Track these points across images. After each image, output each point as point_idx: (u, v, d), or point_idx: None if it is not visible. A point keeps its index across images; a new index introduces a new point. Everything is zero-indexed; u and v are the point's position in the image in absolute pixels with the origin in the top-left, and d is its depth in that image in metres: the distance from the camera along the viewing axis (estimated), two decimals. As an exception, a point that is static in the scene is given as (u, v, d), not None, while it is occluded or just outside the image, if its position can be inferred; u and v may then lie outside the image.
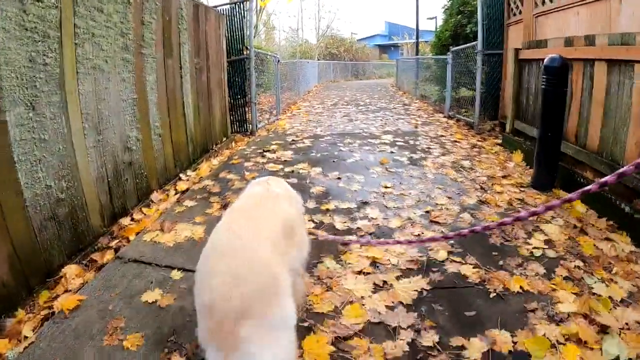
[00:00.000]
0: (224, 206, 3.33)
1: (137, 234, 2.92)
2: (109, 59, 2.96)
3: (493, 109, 6.77)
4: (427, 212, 3.13)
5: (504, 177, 4.00)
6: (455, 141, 5.75)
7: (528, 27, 5.54)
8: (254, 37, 16.46)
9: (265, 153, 5.17)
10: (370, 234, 2.79)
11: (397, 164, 4.52)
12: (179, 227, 2.98)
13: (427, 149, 5.23)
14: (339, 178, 3.81)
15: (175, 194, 3.79)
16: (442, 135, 6.16)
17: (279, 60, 8.06)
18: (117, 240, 2.82)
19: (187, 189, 3.90)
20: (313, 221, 3.00)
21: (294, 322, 1.24)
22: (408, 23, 55.42)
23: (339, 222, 2.96)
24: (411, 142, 5.72)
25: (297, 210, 1.77)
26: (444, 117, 8.10)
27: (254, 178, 2.70)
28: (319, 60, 26.46)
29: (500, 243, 2.62)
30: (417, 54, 15.70)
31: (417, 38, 16.14)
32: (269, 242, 1.34)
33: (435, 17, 31.59)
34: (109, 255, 2.62)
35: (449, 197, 3.44)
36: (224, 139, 5.84)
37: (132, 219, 3.14)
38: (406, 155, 4.94)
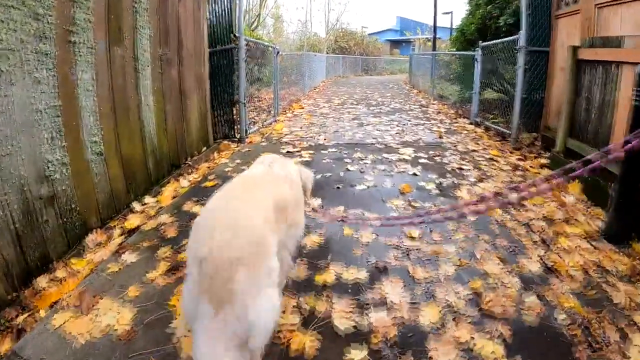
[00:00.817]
0: (174, 269, 2.28)
1: (53, 305, 2.00)
2: (10, 54, 1.95)
3: (533, 118, 5.65)
4: (474, 292, 2.05)
5: (565, 220, 2.92)
6: (492, 159, 4.65)
7: (588, 20, 4.40)
8: (257, 26, 15.35)
9: (250, 171, 4.10)
10: (391, 345, 1.71)
11: (423, 195, 3.44)
12: (103, 306, 1.99)
13: (458, 171, 4.14)
14: (342, 220, 2.72)
15: (121, 234, 2.78)
16: (474, 150, 5.06)
17: (278, 52, 6.97)
18: (28, 314, 1.93)
19: (138, 227, 2.86)
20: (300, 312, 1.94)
21: (277, 279, 1.34)
22: (420, 18, 53.97)
23: (341, 315, 1.88)
24: (437, 158, 4.63)
25: (295, 194, 1.86)
26: (470, 123, 6.99)
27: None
28: (327, 54, 25.27)
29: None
30: (434, 50, 14.51)
31: (435, 32, 14.93)
32: (261, 210, 1.45)
33: (451, 12, 30.17)
34: (6, 344, 1.74)
35: (501, 260, 2.37)
36: (204, 148, 4.78)
37: (53, 278, 2.20)
38: (433, 179, 3.85)
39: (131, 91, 3.22)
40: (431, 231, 2.76)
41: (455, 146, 5.26)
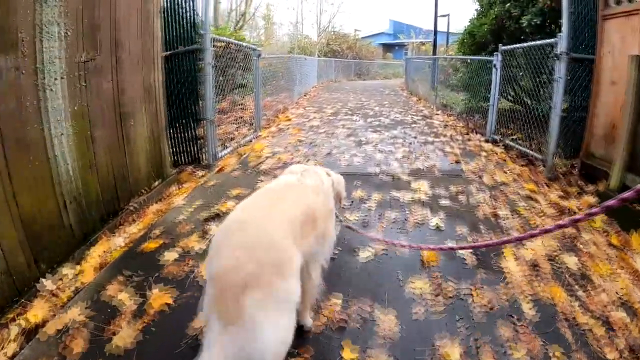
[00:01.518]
0: None
1: None
2: None
3: (569, 141, 4.68)
4: None
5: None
6: (529, 197, 3.64)
7: (655, 22, 3.44)
8: (242, 26, 14.28)
9: (208, 223, 3.03)
10: None
11: (456, 267, 2.42)
12: None
13: (494, 219, 3.15)
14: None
15: (22, 333, 1.78)
16: (504, 183, 4.06)
17: (259, 55, 5.90)
18: None
19: (45, 324, 1.80)
20: None
21: (296, 301, 1.27)
22: (414, 22, 53.42)
23: None
24: (461, 197, 3.63)
25: (326, 205, 1.78)
26: (486, 140, 6.01)
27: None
28: (319, 57, 24.27)
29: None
30: (434, 53, 13.58)
31: (435, 35, 13.98)
32: (283, 223, 1.38)
33: (448, 15, 29.57)
34: None
35: None
36: (157, 182, 3.69)
37: None
38: (465, 236, 2.82)
39: (32, 118, 2.14)
40: (478, 349, 1.70)
41: (479, 176, 4.24)
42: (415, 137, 6.23)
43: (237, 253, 1.21)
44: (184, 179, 4.13)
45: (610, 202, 1.26)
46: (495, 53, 6.06)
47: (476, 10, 8.82)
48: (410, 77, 17.39)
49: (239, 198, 3.56)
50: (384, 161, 4.78)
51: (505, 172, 4.42)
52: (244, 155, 5.12)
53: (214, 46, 4.52)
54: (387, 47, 45.70)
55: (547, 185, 4.15)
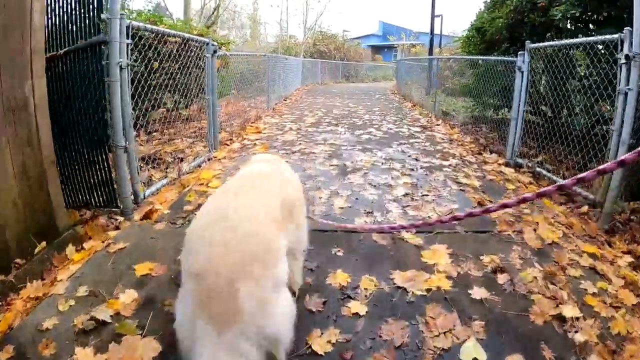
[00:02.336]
0: None
1: None
2: None
3: (635, 176, 3.39)
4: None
5: None
6: (594, 270, 2.36)
7: None
8: (214, 23, 12.84)
9: (83, 340, 1.64)
10: None
11: None
12: None
13: (559, 327, 1.79)
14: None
15: None
16: (554, 243, 2.71)
17: (215, 51, 4.45)
18: None
19: None
20: None
21: (286, 280, 1.25)
22: (404, 24, 52.51)
23: None
24: (502, 279, 2.35)
25: (298, 193, 1.75)
26: (505, 163, 4.74)
27: None
28: (305, 58, 22.87)
29: None
30: (430, 54, 12.25)
31: (432, 33, 12.65)
32: (267, 209, 1.33)
33: (441, 15, 28.50)
34: None
35: None
36: (40, 247, 2.26)
37: None
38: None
39: None
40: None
41: (518, 232, 2.88)
42: (417, 160, 4.84)
43: (224, 242, 1.13)
44: (90, 232, 2.73)
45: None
46: (520, 52, 4.72)
47: (485, 2, 7.51)
48: (402, 79, 16.11)
49: (143, 285, 2.16)
50: (378, 204, 3.37)
51: (549, 221, 3.07)
52: (186, 189, 3.68)
53: (138, 38, 3.09)
54: (377, 49, 44.69)
55: (609, 244, 2.87)
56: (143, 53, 3.53)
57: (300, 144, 5.53)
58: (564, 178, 3.90)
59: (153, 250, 2.58)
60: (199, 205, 3.21)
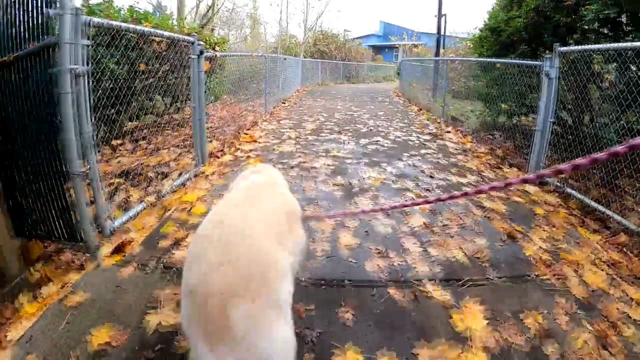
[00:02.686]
0: None
1: None
2: None
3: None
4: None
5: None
6: None
7: None
8: (208, 22, 12.32)
9: None
10: None
11: None
12: None
13: None
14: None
15: None
16: (600, 290, 2.26)
17: (201, 51, 3.90)
18: None
19: None
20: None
21: (289, 301, 1.17)
22: (404, 24, 51.98)
23: None
24: (551, 350, 1.78)
25: (295, 202, 1.69)
26: (529, 178, 4.15)
27: None
28: (305, 58, 22.30)
29: None
30: (437, 55, 11.71)
31: (439, 32, 12.07)
32: (267, 223, 1.30)
33: (445, 15, 27.96)
34: None
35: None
36: None
37: None
38: None
39: None
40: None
41: (559, 277, 2.37)
42: (431, 177, 4.29)
43: (218, 258, 1.10)
44: (49, 273, 2.24)
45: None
46: (547, 56, 4.18)
47: (499, 1, 6.97)
48: (406, 81, 15.56)
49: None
50: (392, 240, 2.82)
51: (590, 259, 2.55)
52: (167, 214, 3.14)
53: (120, 38, 2.55)
54: (377, 49, 44.17)
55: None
56: (126, 55, 3.00)
57: (299, 156, 4.97)
58: (596, 200, 3.38)
59: (116, 308, 2.04)
60: (176, 241, 2.68)
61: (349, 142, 5.89)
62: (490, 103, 6.68)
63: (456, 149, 5.75)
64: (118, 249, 2.61)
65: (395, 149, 5.63)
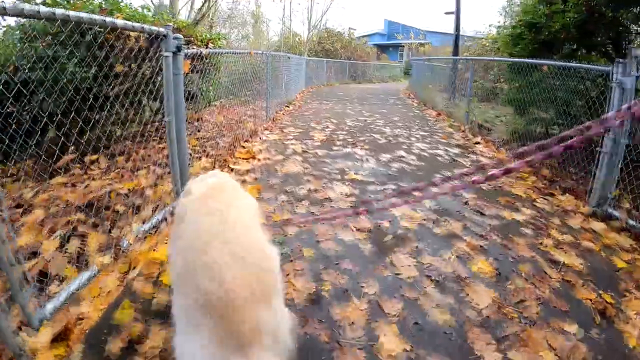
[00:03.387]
0: None
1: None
2: None
3: None
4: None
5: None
6: None
7: None
8: (203, 18, 11.42)
9: None
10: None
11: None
12: None
13: None
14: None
15: None
16: None
17: (179, 47, 2.93)
18: None
19: None
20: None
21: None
22: (408, 22, 51.00)
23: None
24: None
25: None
26: (590, 212, 3.26)
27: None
28: (309, 57, 21.31)
29: None
30: (455, 53, 10.64)
31: (457, 29, 10.99)
32: (255, 221, 1.32)
33: (455, 12, 26.93)
34: None
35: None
36: None
37: None
38: None
39: None
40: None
41: None
42: (481, 213, 3.31)
43: (231, 267, 1.06)
44: None
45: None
46: (619, 61, 3.21)
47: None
48: (417, 82, 14.57)
49: None
50: (455, 338, 1.85)
51: None
52: (127, 279, 2.20)
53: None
54: (381, 48, 43.10)
55: None
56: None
57: (308, 180, 3.98)
58: None
59: None
60: (131, 343, 1.70)
61: (367, 159, 4.89)
62: (522, 110, 5.72)
63: (492, 166, 4.75)
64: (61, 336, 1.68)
65: (423, 167, 4.64)
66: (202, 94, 6.66)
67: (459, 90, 10.11)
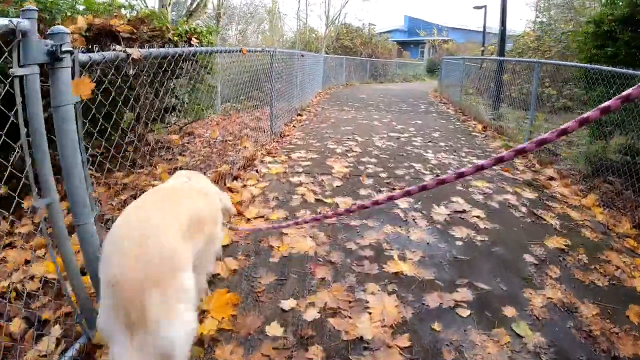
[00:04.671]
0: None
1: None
2: None
3: None
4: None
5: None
6: None
7: None
8: (192, 13, 10.09)
9: None
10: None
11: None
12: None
13: None
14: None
15: None
16: None
17: (54, 54, 1.28)
18: None
19: None
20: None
21: (193, 295, 1.32)
22: (429, 18, 48.87)
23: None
24: None
25: (212, 207, 1.81)
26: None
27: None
28: (327, 54, 19.58)
29: None
30: (501, 54, 8.74)
31: (504, 23, 8.97)
32: (173, 222, 1.40)
33: (485, 7, 24.95)
34: None
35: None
36: None
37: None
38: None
39: None
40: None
41: None
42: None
43: (134, 252, 1.22)
44: None
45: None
46: None
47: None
48: (450, 84, 12.77)
49: None
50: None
51: None
52: None
53: None
54: (402, 45, 41.00)
55: None
56: None
57: (322, 279, 2.32)
58: None
59: None
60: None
61: (413, 218, 3.20)
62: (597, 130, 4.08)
63: (592, 230, 3.07)
64: None
65: (499, 235, 2.96)
66: (185, 105, 5.11)
67: (508, 99, 8.31)
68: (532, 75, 6.24)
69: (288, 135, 6.29)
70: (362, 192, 3.77)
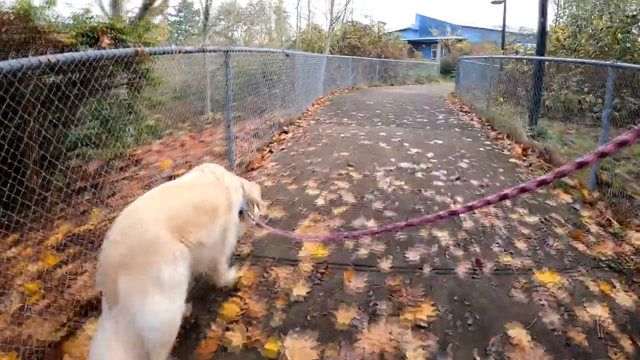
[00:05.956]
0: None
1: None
2: None
3: None
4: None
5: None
6: None
7: None
8: (146, 8, 8.77)
9: None
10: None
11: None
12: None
13: None
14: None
15: None
16: None
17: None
18: None
19: None
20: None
21: (177, 285, 1.39)
22: (440, 17, 46.99)
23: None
24: None
25: (229, 199, 1.86)
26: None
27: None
28: (332, 54, 17.80)
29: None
30: (541, 53, 6.82)
31: (544, 14, 7.03)
32: (162, 212, 1.47)
33: (504, 1, 22.93)
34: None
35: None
36: None
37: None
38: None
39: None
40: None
41: None
42: None
43: (115, 238, 1.36)
44: None
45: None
46: None
47: None
48: (470, 89, 10.91)
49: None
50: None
51: None
52: None
53: None
54: (414, 45, 39.08)
55: None
56: None
57: None
58: None
59: None
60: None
61: None
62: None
63: None
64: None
65: None
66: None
67: (552, 112, 6.46)
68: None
69: (256, 168, 4.53)
70: (342, 318, 1.99)
